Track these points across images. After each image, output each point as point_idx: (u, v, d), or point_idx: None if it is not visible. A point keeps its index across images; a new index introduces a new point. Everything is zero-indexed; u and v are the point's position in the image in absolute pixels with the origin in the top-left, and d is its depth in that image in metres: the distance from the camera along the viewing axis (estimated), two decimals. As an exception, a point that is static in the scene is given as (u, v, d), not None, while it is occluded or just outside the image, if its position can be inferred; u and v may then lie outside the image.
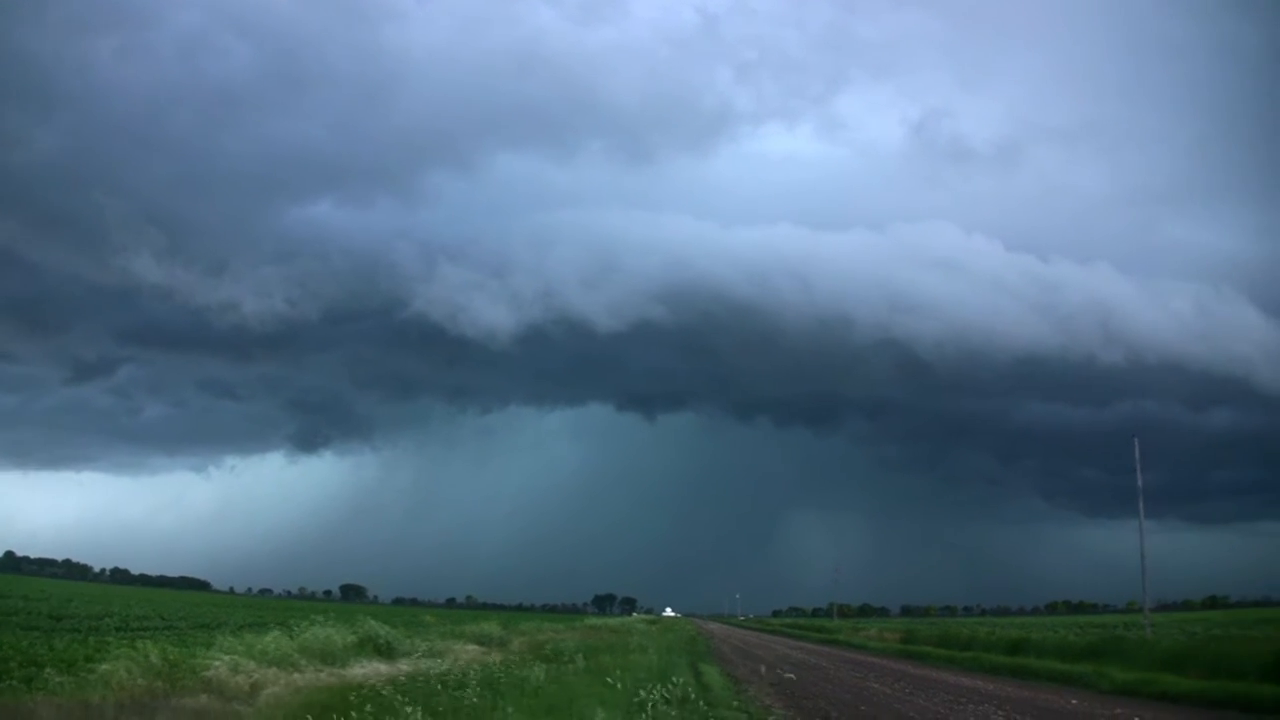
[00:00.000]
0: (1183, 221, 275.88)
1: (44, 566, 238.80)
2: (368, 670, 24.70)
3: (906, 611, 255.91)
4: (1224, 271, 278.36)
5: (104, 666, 18.57)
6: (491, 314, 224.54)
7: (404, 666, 25.56)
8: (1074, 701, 24.53)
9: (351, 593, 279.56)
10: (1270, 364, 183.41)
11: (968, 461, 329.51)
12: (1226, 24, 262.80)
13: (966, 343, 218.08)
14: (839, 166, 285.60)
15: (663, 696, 17.58)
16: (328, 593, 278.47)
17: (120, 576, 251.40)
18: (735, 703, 21.06)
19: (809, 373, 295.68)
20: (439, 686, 17.99)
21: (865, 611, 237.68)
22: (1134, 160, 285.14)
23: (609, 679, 20.05)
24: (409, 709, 14.17)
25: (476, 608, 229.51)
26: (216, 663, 19.87)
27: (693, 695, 18.61)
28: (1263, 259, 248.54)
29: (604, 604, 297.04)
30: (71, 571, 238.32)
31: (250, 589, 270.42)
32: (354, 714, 13.99)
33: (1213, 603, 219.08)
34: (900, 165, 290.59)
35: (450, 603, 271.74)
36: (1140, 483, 46.52)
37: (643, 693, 17.75)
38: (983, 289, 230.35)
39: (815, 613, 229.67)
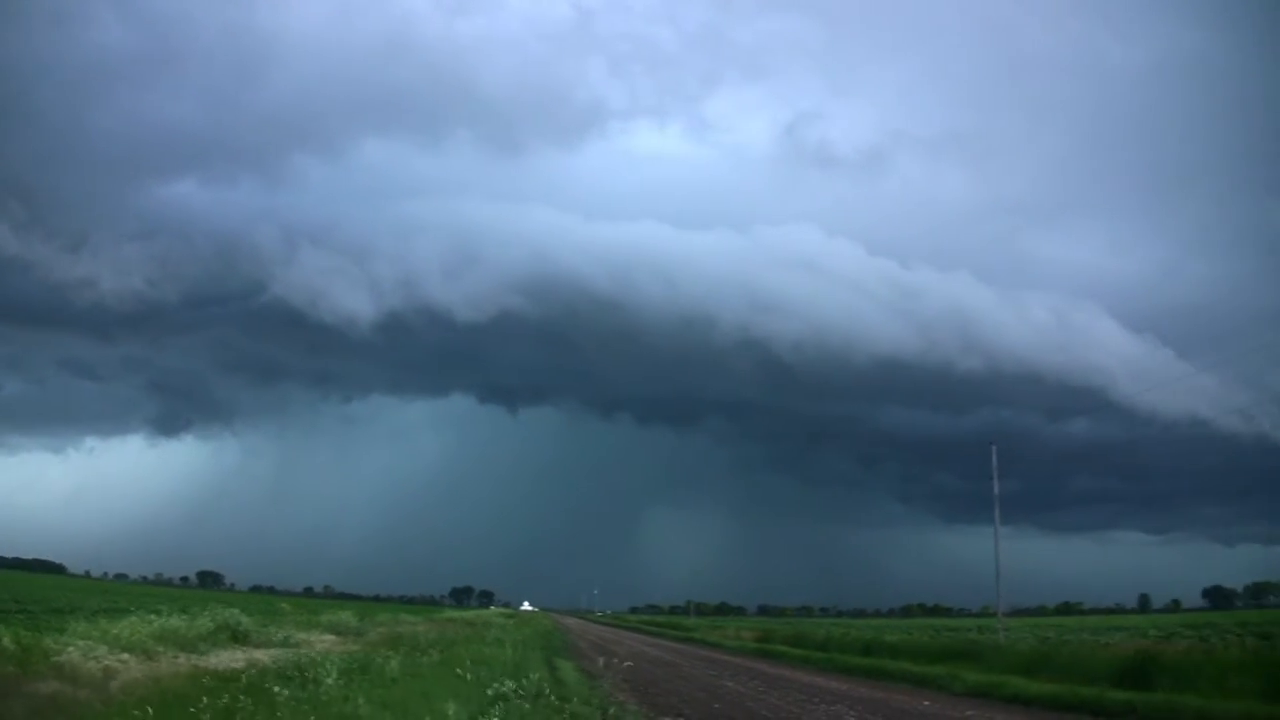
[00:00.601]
0: (1043, 234, 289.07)
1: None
2: (224, 658, 24.30)
3: (764, 611, 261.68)
4: (1082, 284, 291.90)
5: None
6: (351, 300, 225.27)
7: (260, 655, 25.18)
8: (926, 703, 25.19)
9: (209, 579, 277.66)
10: (1128, 375, 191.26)
11: (828, 464, 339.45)
12: (1093, 42, 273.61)
13: (826, 344, 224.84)
14: (706, 167, 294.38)
15: (516, 690, 17.63)
16: (185, 579, 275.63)
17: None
18: (589, 698, 21.19)
19: (671, 370, 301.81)
20: (294, 676, 17.75)
21: (723, 610, 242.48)
22: (998, 172, 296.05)
23: (463, 672, 20.06)
24: (270, 698, 14.00)
25: (334, 597, 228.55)
26: (70, 648, 19.32)
27: (546, 690, 18.67)
28: (1120, 273, 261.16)
29: (462, 596, 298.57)
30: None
31: (106, 573, 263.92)
32: (207, 702, 13.74)
33: (1066, 609, 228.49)
34: (767, 168, 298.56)
35: (308, 591, 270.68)
36: (997, 490, 48.44)
37: (497, 686, 17.81)
38: (843, 291, 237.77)
39: (673, 610, 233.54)
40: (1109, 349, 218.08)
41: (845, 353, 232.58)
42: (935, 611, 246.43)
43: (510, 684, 18.07)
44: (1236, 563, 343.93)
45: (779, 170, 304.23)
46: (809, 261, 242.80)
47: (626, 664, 33.12)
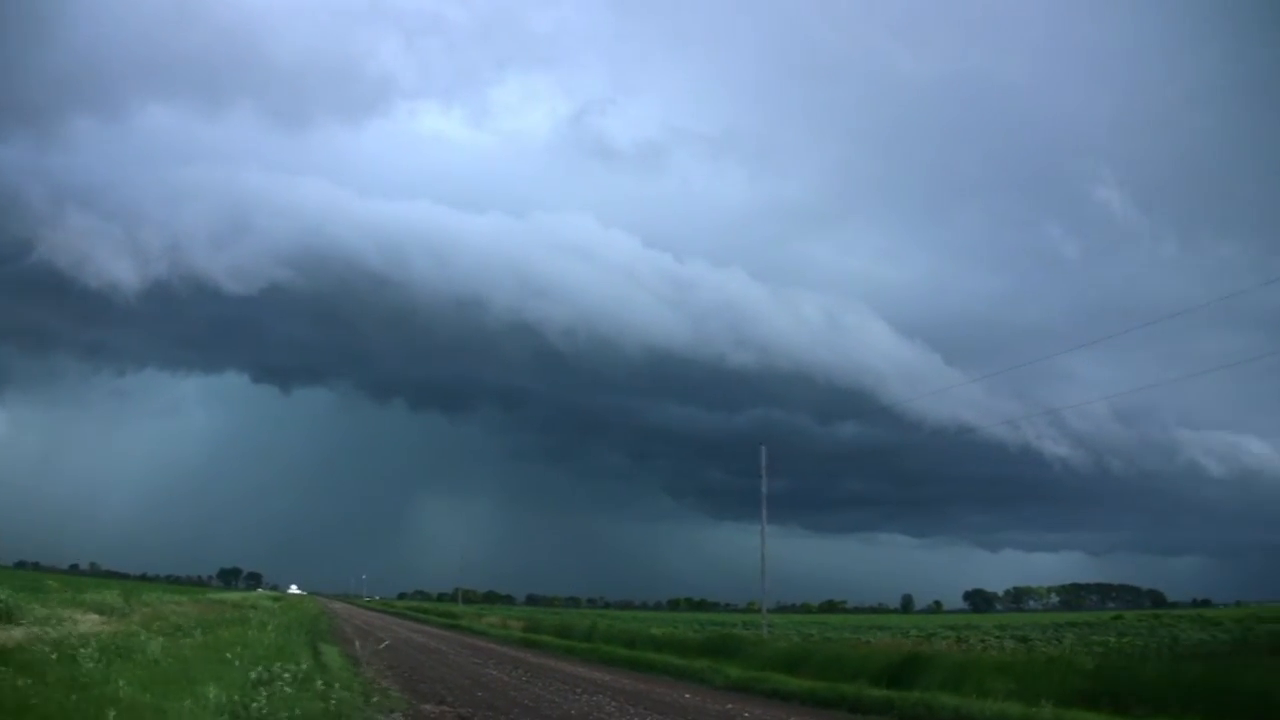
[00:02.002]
0: (819, 238, 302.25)
1: None
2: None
3: (532, 600, 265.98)
4: (855, 290, 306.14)
5: None
6: (115, 265, 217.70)
7: (17, 634, 24.76)
8: (687, 696, 26.67)
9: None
10: (897, 378, 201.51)
11: (600, 456, 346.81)
12: (885, 51, 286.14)
13: (597, 331, 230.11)
14: (488, 151, 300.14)
15: (278, 675, 18.21)
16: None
17: None
18: (353, 683, 21.91)
19: (444, 354, 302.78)
20: (53, 655, 17.81)
21: (491, 598, 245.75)
22: (777, 175, 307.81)
23: (227, 655, 20.47)
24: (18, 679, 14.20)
25: (101, 575, 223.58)
26: None
27: (309, 674, 19.28)
28: (892, 281, 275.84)
29: (230, 578, 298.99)
30: None
31: None
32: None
33: (831, 607, 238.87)
34: (548, 156, 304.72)
35: (74, 569, 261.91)
36: (764, 488, 50.90)
37: (259, 670, 18.34)
38: (616, 280, 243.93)
39: (441, 597, 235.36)
40: (879, 351, 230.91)
41: (617, 341, 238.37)
42: (702, 606, 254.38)
43: (274, 668, 18.62)
44: (998, 567, 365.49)
45: (559, 159, 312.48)
46: (584, 249, 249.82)
47: (392, 650, 33.80)
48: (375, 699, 20.30)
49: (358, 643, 40.78)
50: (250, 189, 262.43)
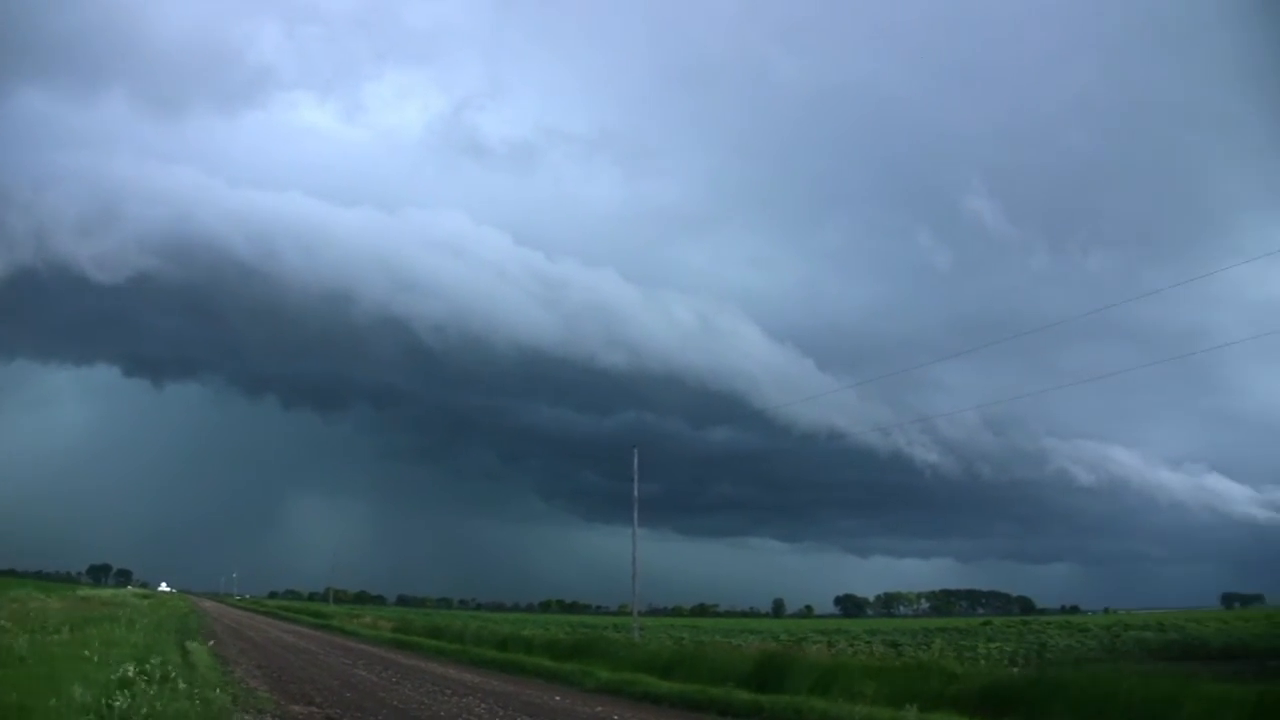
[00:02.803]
0: (691, 242, 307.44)
1: None
2: None
3: (403, 601, 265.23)
4: (727, 294, 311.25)
5: None
6: None
7: None
8: (558, 698, 27.11)
9: None
10: (770, 382, 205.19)
11: (473, 457, 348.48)
12: (763, 56, 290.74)
13: (468, 328, 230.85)
14: (361, 145, 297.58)
15: (146, 673, 18.34)
16: None
17: None
18: (220, 683, 22.03)
19: (316, 349, 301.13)
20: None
21: (362, 599, 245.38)
22: (650, 178, 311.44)
23: (92, 653, 20.47)
24: None
25: None
26: None
27: (174, 674, 19.43)
28: (764, 287, 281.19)
29: (100, 575, 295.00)
30: None
31: None
32: None
33: (702, 610, 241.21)
34: (421, 152, 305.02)
35: None
36: (636, 491, 51.75)
37: (125, 668, 18.44)
38: (487, 277, 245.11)
39: (312, 597, 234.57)
40: (751, 355, 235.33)
41: (488, 338, 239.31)
42: (574, 608, 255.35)
43: (143, 667, 18.73)
44: (869, 573, 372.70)
45: (433, 155, 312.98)
46: (455, 246, 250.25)
47: (261, 650, 33.81)
48: (243, 699, 20.51)
49: (228, 642, 40.61)
50: (120, 176, 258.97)
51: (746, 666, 29.90)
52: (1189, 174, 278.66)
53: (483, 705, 23.90)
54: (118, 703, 15.45)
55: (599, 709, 24.45)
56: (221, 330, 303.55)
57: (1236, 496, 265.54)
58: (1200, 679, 21.88)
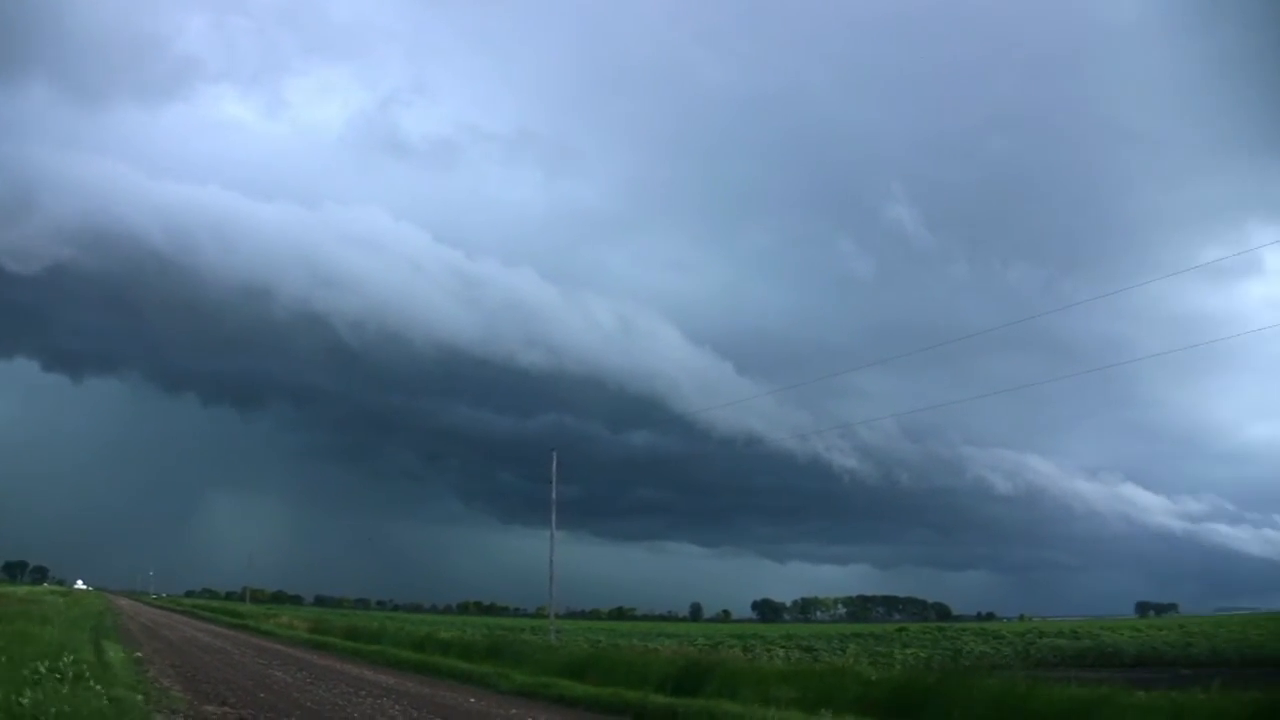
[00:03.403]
0: (612, 245, 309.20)
1: None
2: None
3: (321, 601, 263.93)
4: (647, 296, 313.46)
5: None
6: None
7: None
8: (473, 700, 27.30)
9: None
10: (690, 385, 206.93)
11: (393, 457, 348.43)
12: (689, 60, 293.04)
13: (386, 325, 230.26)
14: (283, 140, 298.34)
15: (57, 672, 18.34)
16: None
17: None
18: (133, 683, 22.03)
19: (235, 346, 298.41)
20: None
21: (279, 598, 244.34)
22: (571, 179, 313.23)
23: (3, 652, 20.36)
24: None
25: None
26: None
27: (87, 673, 19.42)
28: (684, 291, 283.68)
29: (14, 571, 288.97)
30: None
31: None
32: None
33: (620, 614, 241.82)
34: (342, 149, 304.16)
35: None
36: (554, 494, 52.23)
37: (35, 666, 18.43)
38: (405, 273, 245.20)
39: (229, 596, 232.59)
40: (670, 358, 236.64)
41: (406, 335, 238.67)
42: (491, 610, 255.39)
43: (55, 664, 18.73)
44: (786, 578, 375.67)
45: (353, 152, 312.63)
46: (374, 242, 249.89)
47: (176, 649, 33.71)
48: (156, 698, 20.54)
49: (143, 641, 40.37)
50: (38, 164, 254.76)
51: (662, 670, 30.06)
52: (1110, 189, 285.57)
53: (396, 707, 24.01)
54: (26, 699, 15.47)
55: (514, 712, 24.60)
56: (140, 324, 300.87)
57: (1152, 506, 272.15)
58: (1113, 687, 22.49)
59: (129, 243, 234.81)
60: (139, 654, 32.76)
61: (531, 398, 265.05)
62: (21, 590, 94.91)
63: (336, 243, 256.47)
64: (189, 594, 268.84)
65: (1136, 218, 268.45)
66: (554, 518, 52.70)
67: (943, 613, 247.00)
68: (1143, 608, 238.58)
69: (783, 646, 70.81)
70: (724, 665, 30.68)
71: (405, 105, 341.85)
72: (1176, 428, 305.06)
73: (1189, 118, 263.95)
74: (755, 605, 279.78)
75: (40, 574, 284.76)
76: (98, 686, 18.65)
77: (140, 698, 19.68)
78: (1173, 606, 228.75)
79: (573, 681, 30.46)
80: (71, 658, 20.94)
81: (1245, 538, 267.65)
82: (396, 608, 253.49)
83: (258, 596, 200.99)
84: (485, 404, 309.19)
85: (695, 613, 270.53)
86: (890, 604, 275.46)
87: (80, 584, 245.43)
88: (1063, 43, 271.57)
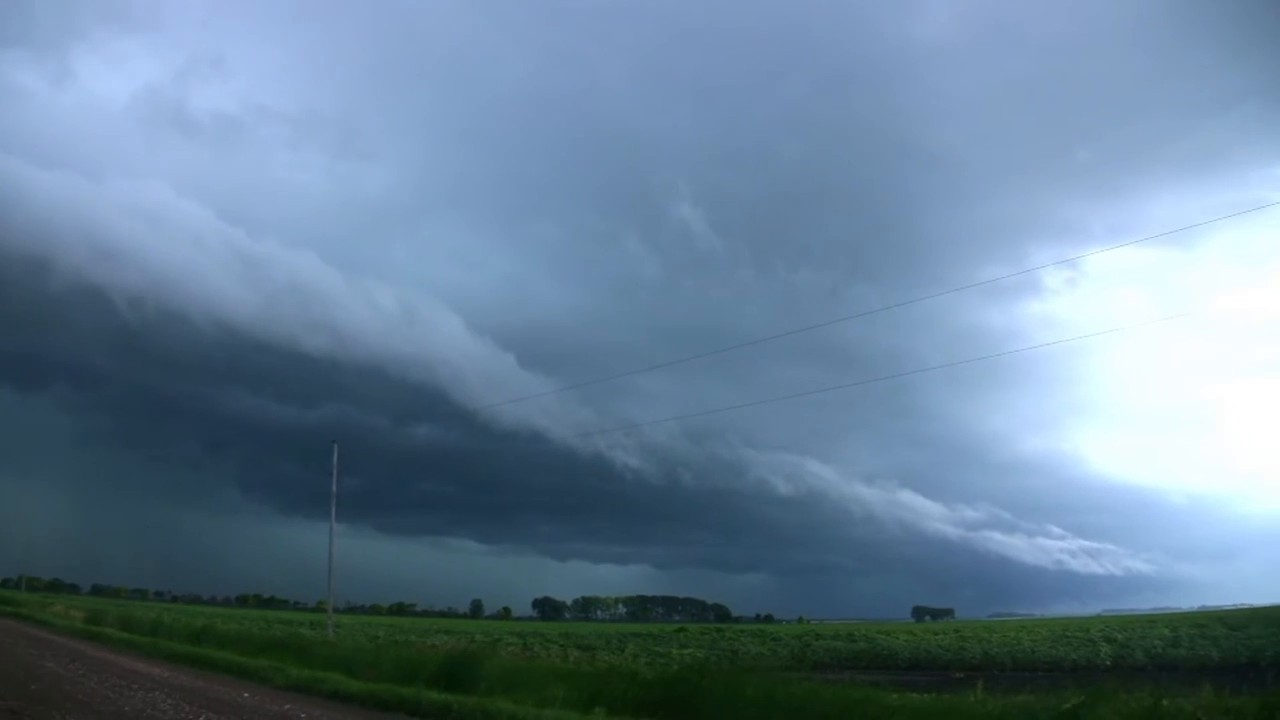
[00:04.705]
0: (395, 232, 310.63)
1: None
2: None
3: (98, 591, 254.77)
4: (430, 286, 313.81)
5: None
6: None
7: None
8: (246, 694, 27.53)
9: None
10: (472, 377, 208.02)
11: (173, 444, 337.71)
12: (487, 50, 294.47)
13: (166, 301, 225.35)
14: (66, 111, 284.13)
15: None
16: None
17: None
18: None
19: (12, 321, 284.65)
20: None
21: (55, 587, 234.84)
22: (357, 164, 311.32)
23: None
24: None
25: None
26: None
27: None
28: (467, 283, 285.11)
29: None
30: None
31: None
32: None
33: (401, 609, 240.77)
34: (127, 121, 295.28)
35: None
36: (335, 487, 52.86)
37: None
38: (185, 248, 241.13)
39: (5, 583, 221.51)
40: (454, 348, 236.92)
41: (186, 312, 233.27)
42: (271, 603, 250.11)
43: None
44: (567, 577, 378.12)
45: (140, 125, 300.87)
46: (156, 216, 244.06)
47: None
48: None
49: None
50: None
51: (436, 666, 30.60)
52: (897, 202, 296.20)
53: (168, 701, 24.16)
54: None
55: (287, 706, 24.91)
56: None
57: (930, 513, 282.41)
58: (880, 688, 24.36)
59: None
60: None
61: (314, 387, 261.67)
62: None
63: (118, 215, 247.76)
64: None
65: (924, 233, 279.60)
66: (334, 510, 53.13)
67: (722, 614, 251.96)
68: (919, 612, 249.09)
69: (561, 644, 72.49)
70: (499, 662, 31.39)
71: (195, 80, 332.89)
72: (955, 438, 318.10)
73: (979, 140, 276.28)
74: (536, 603, 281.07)
75: None
76: None
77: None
78: (949, 611, 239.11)
79: (347, 676, 30.73)
80: None
81: (1020, 545, 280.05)
82: (175, 598, 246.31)
83: (34, 585, 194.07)
84: (266, 391, 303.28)
85: (476, 609, 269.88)
86: (670, 604, 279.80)
87: None
88: (863, 59, 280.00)
